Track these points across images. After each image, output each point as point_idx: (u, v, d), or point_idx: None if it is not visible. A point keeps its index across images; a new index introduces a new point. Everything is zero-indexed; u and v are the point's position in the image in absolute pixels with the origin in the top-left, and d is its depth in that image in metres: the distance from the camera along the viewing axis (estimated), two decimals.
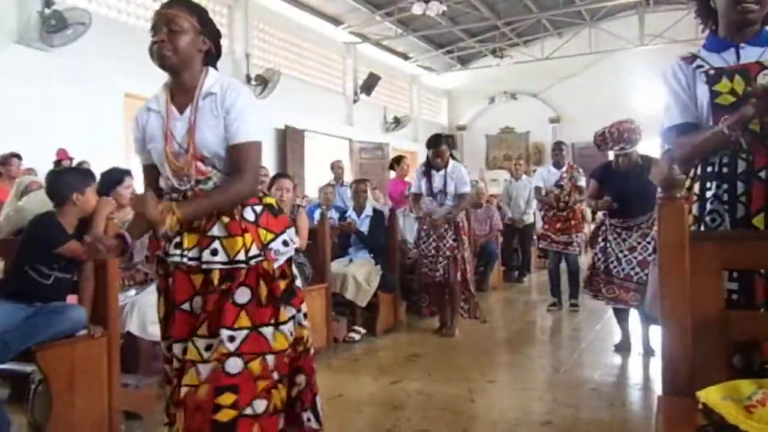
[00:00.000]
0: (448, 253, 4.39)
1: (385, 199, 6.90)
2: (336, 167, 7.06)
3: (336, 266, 4.48)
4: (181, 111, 1.69)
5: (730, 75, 1.57)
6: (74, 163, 6.17)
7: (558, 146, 5.60)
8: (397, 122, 12.93)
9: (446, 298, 4.55)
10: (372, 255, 4.69)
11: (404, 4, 10.38)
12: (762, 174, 1.52)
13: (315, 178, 9.37)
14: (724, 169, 1.58)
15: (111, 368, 2.55)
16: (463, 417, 2.83)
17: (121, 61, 6.85)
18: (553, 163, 5.58)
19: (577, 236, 5.32)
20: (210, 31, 1.75)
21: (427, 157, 4.50)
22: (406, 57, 13.51)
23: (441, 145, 4.43)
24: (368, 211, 4.80)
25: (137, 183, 4.07)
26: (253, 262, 1.62)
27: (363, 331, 4.50)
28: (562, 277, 5.48)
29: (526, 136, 14.37)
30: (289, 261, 1.72)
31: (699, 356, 1.33)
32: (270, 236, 1.67)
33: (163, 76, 1.83)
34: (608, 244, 3.83)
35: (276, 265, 1.66)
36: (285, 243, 1.70)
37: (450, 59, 14.04)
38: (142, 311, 2.92)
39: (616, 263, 3.77)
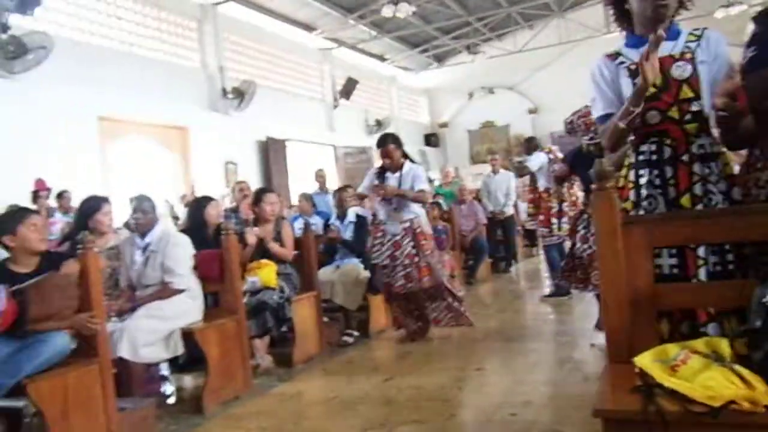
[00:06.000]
0: (406, 261, 4.14)
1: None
2: (318, 176, 7.21)
3: (324, 273, 4.61)
4: None
5: None
6: (53, 193, 6.24)
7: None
8: (379, 124, 13.08)
9: (413, 307, 4.36)
10: (360, 260, 4.82)
11: (375, 6, 10.53)
12: (684, 158, 1.69)
13: (300, 186, 9.50)
14: (653, 157, 1.74)
15: (105, 394, 2.62)
16: (451, 404, 2.99)
17: (92, 85, 6.88)
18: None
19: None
20: None
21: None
22: (382, 58, 13.67)
23: (388, 144, 4.20)
24: (351, 217, 4.92)
25: (118, 209, 4.20)
26: None
27: (356, 333, 4.62)
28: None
29: (506, 128, 14.57)
30: None
31: (636, 327, 1.48)
32: None
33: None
34: (589, 232, 3.68)
35: None
36: None
37: (426, 58, 14.21)
38: (132, 336, 3.00)
39: None
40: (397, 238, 4.18)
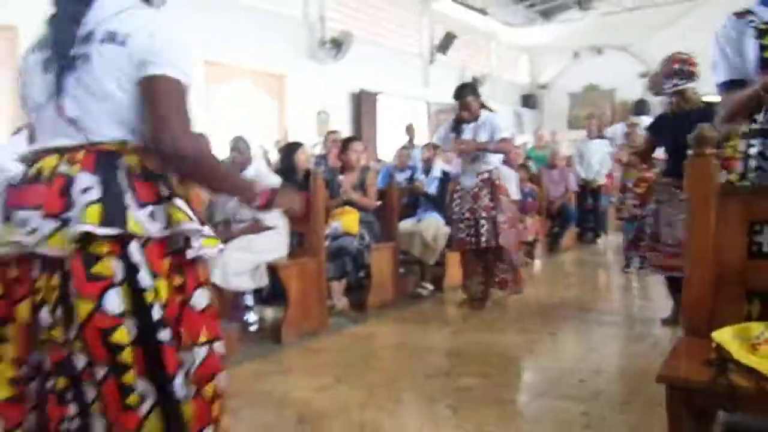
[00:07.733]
0: (484, 214, 3.94)
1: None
2: (408, 130, 7.22)
3: (404, 225, 4.68)
4: None
5: None
6: None
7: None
8: (476, 82, 12.76)
9: (481, 268, 4.13)
10: (441, 215, 4.84)
11: None
12: None
13: (390, 141, 9.54)
14: None
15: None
16: (519, 363, 3.01)
17: (202, 30, 7.21)
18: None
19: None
20: None
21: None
22: (484, 12, 13.17)
23: (466, 96, 3.98)
24: (437, 172, 4.92)
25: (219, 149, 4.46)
26: None
27: (431, 287, 4.69)
28: None
29: (611, 93, 13.73)
30: None
31: (719, 304, 1.41)
32: None
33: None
34: (661, 206, 3.27)
35: None
36: None
37: (531, 13, 13.54)
38: (224, 265, 3.24)
39: (666, 228, 3.19)
40: (476, 190, 4.02)
